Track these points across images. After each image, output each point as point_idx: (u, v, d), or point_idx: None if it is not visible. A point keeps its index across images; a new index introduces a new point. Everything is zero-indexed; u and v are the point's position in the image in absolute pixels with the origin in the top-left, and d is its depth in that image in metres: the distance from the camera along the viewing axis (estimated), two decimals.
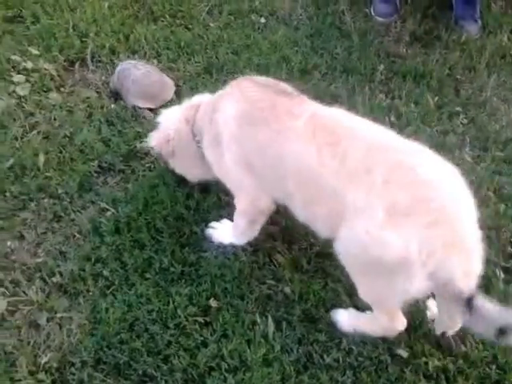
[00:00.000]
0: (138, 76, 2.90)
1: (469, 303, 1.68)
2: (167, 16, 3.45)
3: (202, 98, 2.30)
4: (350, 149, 1.78)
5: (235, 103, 2.04)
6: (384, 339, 2.00)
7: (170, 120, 2.33)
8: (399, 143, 1.83)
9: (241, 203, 2.17)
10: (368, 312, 1.99)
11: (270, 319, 2.05)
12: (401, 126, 2.76)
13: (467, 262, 1.67)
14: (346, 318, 2.03)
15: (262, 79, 2.14)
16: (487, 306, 1.68)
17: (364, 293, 1.90)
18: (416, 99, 2.96)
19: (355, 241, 1.73)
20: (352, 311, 2.05)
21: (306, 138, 1.86)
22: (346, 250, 1.80)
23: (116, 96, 2.92)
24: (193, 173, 2.39)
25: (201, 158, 2.24)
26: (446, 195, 1.69)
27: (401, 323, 1.93)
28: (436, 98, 2.97)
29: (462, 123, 2.86)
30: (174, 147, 2.31)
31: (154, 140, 2.35)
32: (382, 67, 3.14)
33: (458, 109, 2.93)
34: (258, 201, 2.12)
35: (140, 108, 2.87)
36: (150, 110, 2.86)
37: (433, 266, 1.65)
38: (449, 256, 1.64)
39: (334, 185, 1.78)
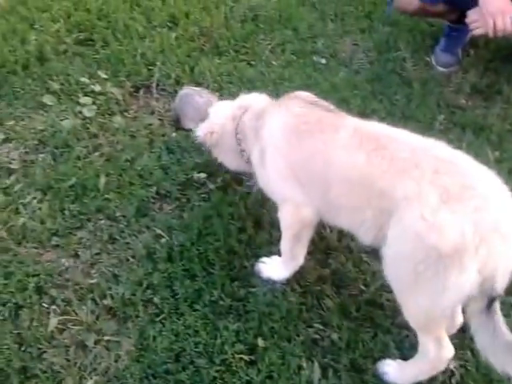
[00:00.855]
0: (200, 103, 2.98)
1: (490, 303, 1.71)
2: (231, 51, 3.53)
3: (254, 100, 2.45)
4: (396, 151, 1.87)
5: (282, 117, 2.17)
6: None
7: (219, 114, 2.51)
8: (439, 145, 1.91)
9: (284, 215, 2.23)
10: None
11: (316, 365, 2.03)
12: None
13: (509, 255, 1.70)
14: (393, 370, 2.00)
15: (308, 96, 2.26)
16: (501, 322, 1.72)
17: (412, 308, 1.86)
18: (475, 152, 2.89)
19: (409, 231, 1.74)
20: (399, 361, 2.02)
21: (353, 147, 1.96)
22: (396, 248, 1.80)
23: (177, 122, 2.98)
24: (231, 164, 2.57)
25: (238, 154, 2.41)
26: (488, 187, 1.75)
27: (448, 350, 1.90)
28: (496, 153, 2.93)
29: None
30: (216, 140, 2.48)
31: (200, 130, 2.53)
32: (441, 117, 3.13)
33: None
34: (300, 211, 2.17)
35: (195, 132, 2.94)
36: None
37: (484, 254, 1.66)
38: (496, 244, 1.67)
39: (383, 184, 1.85)
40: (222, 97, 3.13)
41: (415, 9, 3.31)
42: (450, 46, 3.54)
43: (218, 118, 2.49)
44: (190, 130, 2.91)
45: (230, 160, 2.54)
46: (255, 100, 2.45)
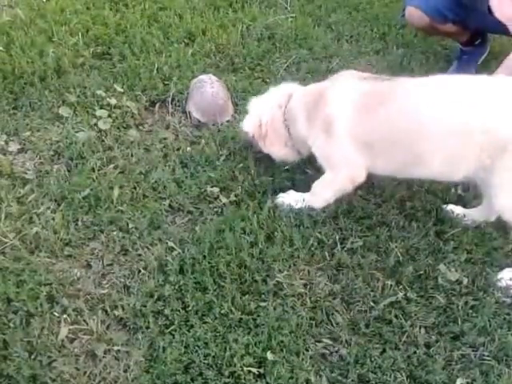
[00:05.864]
0: (208, 93, 3.17)
1: None
2: (247, 68, 3.57)
3: (292, 88, 2.70)
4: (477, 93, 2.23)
5: (348, 92, 2.41)
6: None
7: (262, 106, 2.71)
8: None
9: (338, 177, 2.51)
10: None
11: (324, 379, 2.02)
12: (468, 198, 2.74)
13: None
14: None
15: (358, 73, 2.55)
16: None
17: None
18: None
19: None
20: None
21: (437, 102, 2.26)
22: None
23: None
24: (278, 153, 2.76)
25: (287, 140, 2.67)
26: None
27: None
28: None
29: None
30: (265, 131, 2.67)
31: (248, 125, 2.73)
32: None
33: None
34: (358, 176, 2.48)
35: (192, 115, 3.15)
36: (199, 120, 3.13)
37: None
38: None
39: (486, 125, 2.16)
40: (235, 113, 3.20)
41: (425, 25, 3.36)
42: (461, 68, 3.58)
43: (263, 110, 2.68)
44: (188, 111, 3.15)
45: (277, 149, 2.72)
46: (294, 86, 2.71)
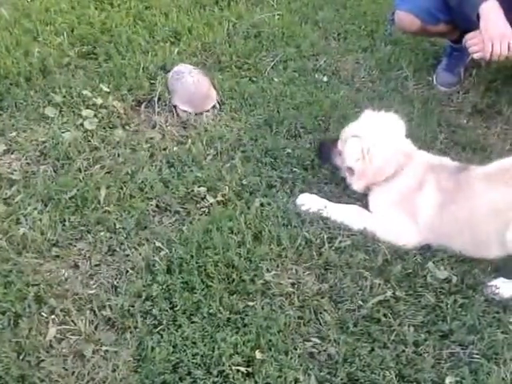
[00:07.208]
0: (189, 83, 3.17)
1: None
2: (234, 67, 3.56)
3: (412, 150, 2.72)
4: None
5: (435, 194, 2.50)
6: None
7: (387, 154, 2.63)
8: None
9: (386, 228, 2.54)
10: None
11: (312, 378, 2.02)
12: None
13: None
14: None
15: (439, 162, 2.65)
16: None
17: None
18: None
19: None
20: None
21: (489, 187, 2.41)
22: None
23: None
24: (357, 187, 2.73)
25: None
26: None
27: None
28: None
29: None
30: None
31: (356, 164, 2.66)
32: (442, 136, 3.13)
33: None
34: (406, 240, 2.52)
35: (179, 108, 3.14)
36: (187, 112, 3.14)
37: None
38: None
39: None
40: (222, 112, 3.19)
41: (416, 29, 3.34)
42: (451, 65, 3.57)
43: (387, 160, 2.61)
44: (174, 105, 3.14)
45: (362, 187, 2.71)
46: (414, 151, 2.71)
